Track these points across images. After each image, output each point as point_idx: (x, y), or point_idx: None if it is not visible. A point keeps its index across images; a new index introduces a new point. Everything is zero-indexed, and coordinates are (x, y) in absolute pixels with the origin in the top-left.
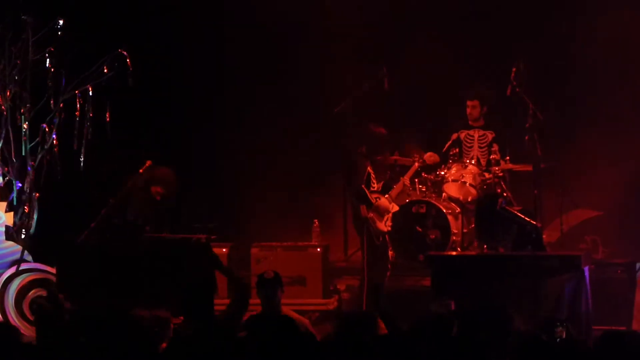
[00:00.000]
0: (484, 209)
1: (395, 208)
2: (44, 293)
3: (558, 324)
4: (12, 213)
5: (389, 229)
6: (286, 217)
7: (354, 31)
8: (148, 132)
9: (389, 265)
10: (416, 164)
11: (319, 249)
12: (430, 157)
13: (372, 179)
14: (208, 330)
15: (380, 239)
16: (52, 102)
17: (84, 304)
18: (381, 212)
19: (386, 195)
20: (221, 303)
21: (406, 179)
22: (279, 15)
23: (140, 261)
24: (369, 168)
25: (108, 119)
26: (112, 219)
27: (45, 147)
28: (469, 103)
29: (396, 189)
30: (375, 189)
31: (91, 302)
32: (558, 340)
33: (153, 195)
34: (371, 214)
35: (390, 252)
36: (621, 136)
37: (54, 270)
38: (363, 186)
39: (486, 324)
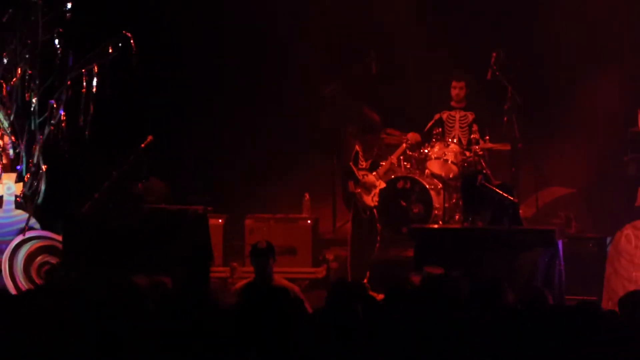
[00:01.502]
0: (469, 184)
1: (382, 184)
2: (51, 259)
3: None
4: (21, 184)
5: (376, 203)
6: (279, 191)
7: (344, 15)
8: (149, 107)
9: (378, 237)
10: (404, 144)
11: (309, 221)
12: (413, 137)
13: (361, 157)
14: (203, 297)
15: (368, 213)
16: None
17: (88, 270)
18: (368, 187)
19: (374, 172)
20: (217, 270)
21: (394, 158)
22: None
23: (141, 231)
24: (357, 146)
25: (111, 96)
26: (115, 191)
27: (53, 122)
28: (455, 84)
29: (384, 166)
30: (364, 166)
31: (94, 268)
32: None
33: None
34: (358, 190)
35: (377, 225)
36: (593, 119)
37: (60, 238)
38: (351, 163)
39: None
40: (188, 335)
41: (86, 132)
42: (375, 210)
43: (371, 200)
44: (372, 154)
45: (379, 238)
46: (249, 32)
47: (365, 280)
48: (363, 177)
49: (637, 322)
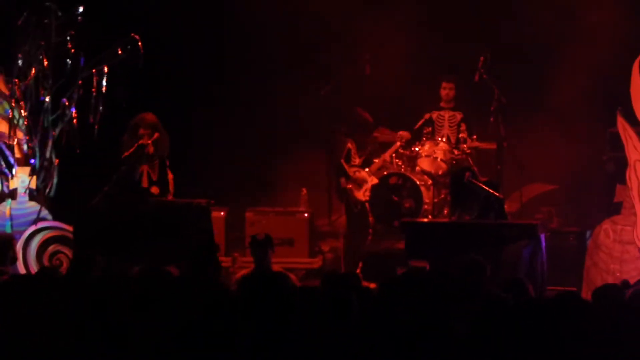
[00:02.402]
0: (457, 181)
1: (375, 180)
2: (62, 249)
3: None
4: (35, 177)
5: (367, 198)
6: (278, 186)
7: (340, 20)
8: (153, 105)
9: (370, 230)
10: (398, 143)
11: (306, 214)
12: (405, 135)
13: (353, 154)
14: (208, 285)
15: (359, 207)
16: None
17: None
18: (359, 183)
19: (366, 169)
20: (223, 260)
21: (387, 155)
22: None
23: (148, 223)
24: (348, 144)
25: (119, 95)
26: (122, 184)
27: (65, 119)
28: (445, 85)
29: (377, 164)
30: (357, 163)
31: (105, 259)
32: (517, 299)
33: (140, 137)
34: (350, 185)
35: (370, 218)
36: (574, 119)
37: (70, 229)
38: (342, 161)
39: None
40: (196, 319)
41: (95, 128)
42: (367, 204)
43: (362, 195)
44: (365, 152)
45: (370, 231)
46: (247, 32)
47: (358, 271)
48: (354, 174)
49: (608, 312)
